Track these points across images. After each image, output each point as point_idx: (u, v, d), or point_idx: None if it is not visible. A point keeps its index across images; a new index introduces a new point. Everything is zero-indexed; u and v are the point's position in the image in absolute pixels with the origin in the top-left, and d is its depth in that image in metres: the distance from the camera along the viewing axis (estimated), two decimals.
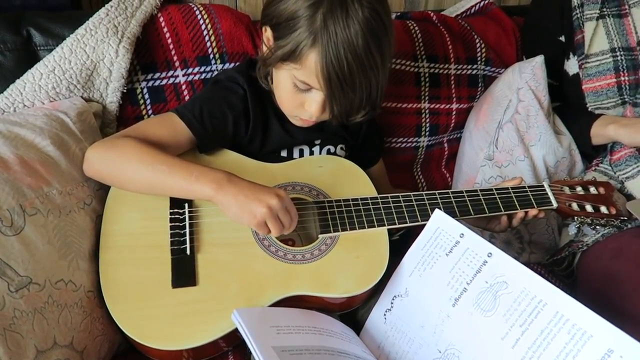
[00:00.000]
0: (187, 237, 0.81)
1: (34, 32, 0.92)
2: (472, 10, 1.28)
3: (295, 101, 0.85)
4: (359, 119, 0.88)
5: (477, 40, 1.19)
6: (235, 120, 0.90)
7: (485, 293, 0.74)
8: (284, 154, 0.96)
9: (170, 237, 0.81)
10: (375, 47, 0.78)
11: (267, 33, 0.85)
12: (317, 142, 0.98)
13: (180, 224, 0.82)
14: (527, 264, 1.11)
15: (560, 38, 1.15)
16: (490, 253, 0.76)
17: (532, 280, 0.70)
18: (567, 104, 1.19)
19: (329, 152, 0.99)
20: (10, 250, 0.68)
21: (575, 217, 0.91)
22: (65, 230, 0.75)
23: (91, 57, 0.88)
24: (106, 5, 0.93)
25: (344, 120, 0.87)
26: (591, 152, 1.15)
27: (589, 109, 1.13)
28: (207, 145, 0.90)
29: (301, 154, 0.97)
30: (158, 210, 0.83)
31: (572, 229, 1.02)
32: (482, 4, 1.26)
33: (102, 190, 0.85)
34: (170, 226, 0.82)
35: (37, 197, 0.73)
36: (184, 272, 0.78)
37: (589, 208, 0.92)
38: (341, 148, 1.00)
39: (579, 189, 0.95)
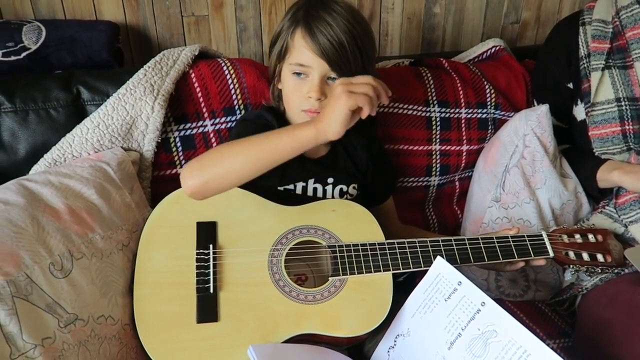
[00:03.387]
0: (211, 277, 0.90)
1: (83, 90, 1.05)
2: (484, 56, 1.34)
3: (298, 93, 0.94)
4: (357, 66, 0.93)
5: (486, 86, 1.25)
6: None
7: (477, 339, 0.81)
8: (299, 190, 1.04)
9: (196, 276, 0.90)
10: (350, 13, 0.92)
11: (273, 65, 1.00)
12: (330, 181, 1.05)
13: (205, 264, 0.91)
14: (532, 301, 1.17)
15: (569, 85, 1.20)
16: (484, 302, 0.83)
17: (519, 331, 0.77)
18: (576, 147, 1.24)
19: (341, 191, 1.06)
20: (60, 291, 0.79)
21: (571, 265, 0.97)
22: (106, 271, 0.86)
23: (130, 113, 1.00)
24: (144, 66, 1.04)
25: (345, 73, 0.91)
26: (598, 195, 1.19)
27: (596, 154, 1.17)
28: None
29: (315, 193, 1.04)
30: (186, 250, 0.92)
31: (567, 275, 1.07)
32: (493, 50, 1.33)
33: (138, 232, 0.96)
34: (196, 265, 0.91)
35: (82, 243, 0.85)
36: (207, 308, 0.87)
37: (585, 256, 0.97)
38: (354, 187, 1.07)
39: (577, 236, 1.00)
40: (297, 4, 0.95)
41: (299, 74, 0.93)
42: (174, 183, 1.09)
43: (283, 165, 1.00)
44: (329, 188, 1.05)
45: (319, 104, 0.93)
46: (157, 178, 1.09)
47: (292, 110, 0.98)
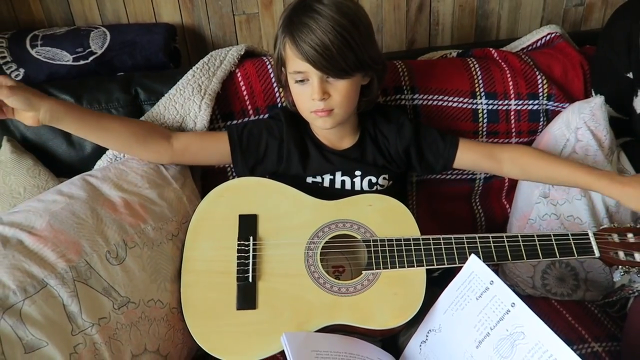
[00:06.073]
0: (250, 267, 0.96)
1: (140, 91, 1.14)
2: (539, 44, 1.28)
3: (304, 97, 0.97)
4: (354, 75, 0.95)
5: (538, 76, 1.20)
6: (269, 141, 1.06)
7: (505, 340, 0.80)
8: (326, 183, 1.07)
9: (237, 266, 0.96)
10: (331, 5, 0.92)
11: (277, 72, 1.04)
12: (358, 173, 1.07)
13: (246, 255, 0.97)
14: (581, 301, 1.13)
15: (628, 75, 1.12)
16: (514, 303, 0.82)
17: (547, 335, 0.76)
18: (638, 140, 1.16)
19: (370, 183, 1.07)
20: (115, 276, 0.88)
21: (620, 266, 0.92)
22: (156, 259, 0.95)
23: (180, 112, 1.08)
24: (193, 67, 1.11)
25: (336, 71, 0.93)
26: None
27: None
28: (236, 152, 1.05)
29: (343, 185, 1.07)
30: (228, 241, 0.98)
31: (616, 276, 1.01)
32: (548, 37, 1.26)
33: (187, 223, 1.03)
34: (237, 256, 0.97)
35: (136, 233, 0.94)
36: (246, 296, 0.94)
37: (638, 257, 0.92)
38: (384, 178, 1.08)
39: (629, 235, 0.95)
40: (286, 10, 0.97)
41: (301, 80, 0.96)
42: (223, 176, 1.17)
43: (304, 156, 1.05)
44: (357, 180, 1.07)
45: (324, 103, 0.96)
46: (207, 171, 1.17)
47: (303, 114, 1.02)
